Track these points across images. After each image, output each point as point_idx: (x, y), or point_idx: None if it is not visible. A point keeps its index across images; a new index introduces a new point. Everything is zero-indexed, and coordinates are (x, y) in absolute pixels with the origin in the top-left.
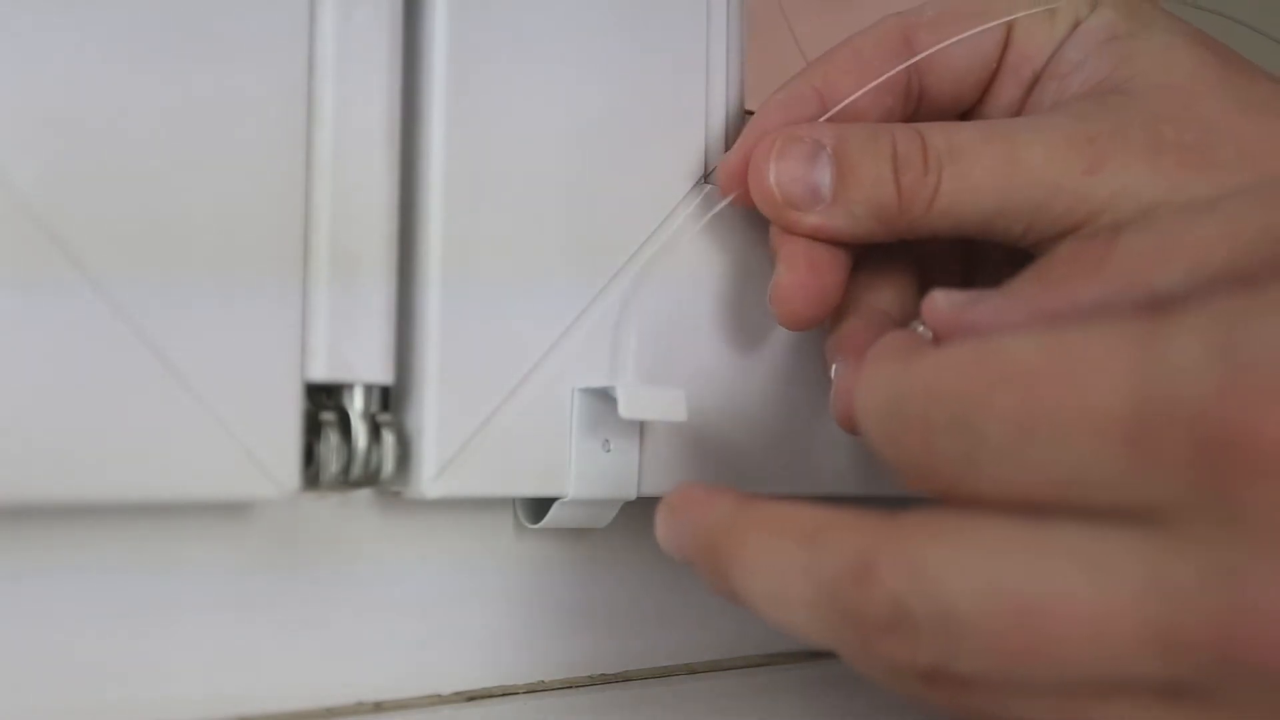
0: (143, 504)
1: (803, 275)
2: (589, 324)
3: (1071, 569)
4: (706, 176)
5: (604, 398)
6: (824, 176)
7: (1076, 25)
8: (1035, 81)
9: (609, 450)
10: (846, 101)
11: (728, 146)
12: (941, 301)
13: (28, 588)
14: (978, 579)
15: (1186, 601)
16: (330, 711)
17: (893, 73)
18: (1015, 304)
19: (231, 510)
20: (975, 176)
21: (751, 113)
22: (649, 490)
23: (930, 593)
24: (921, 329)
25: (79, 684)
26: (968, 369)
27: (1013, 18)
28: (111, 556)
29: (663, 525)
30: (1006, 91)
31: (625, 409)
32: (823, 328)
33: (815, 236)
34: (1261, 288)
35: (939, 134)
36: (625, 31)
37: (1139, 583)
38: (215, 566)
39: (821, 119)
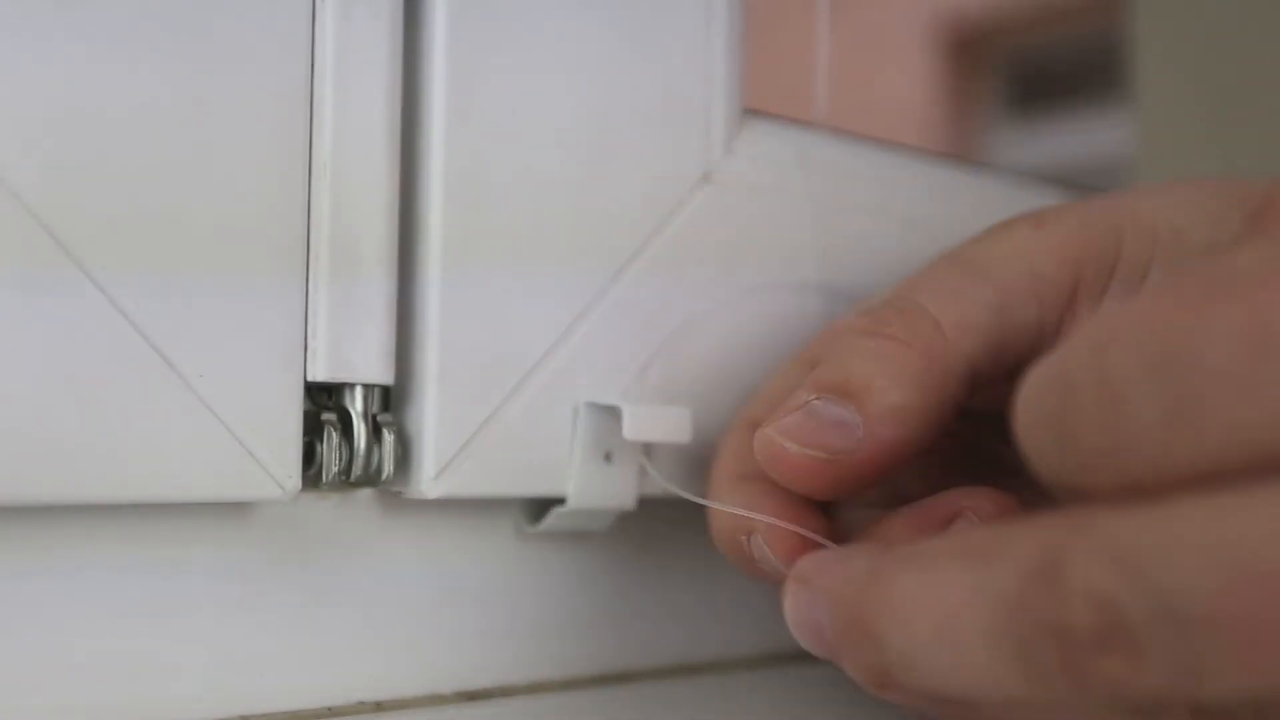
0: (143, 504)
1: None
2: (589, 324)
3: None
4: (707, 176)
5: (609, 411)
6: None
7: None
8: None
9: (610, 460)
10: None
11: (727, 146)
12: None
13: (28, 587)
14: (1209, 553)
15: None
16: (330, 711)
17: None
18: None
19: (232, 510)
20: None
21: (753, 112)
22: (650, 494)
23: (1148, 581)
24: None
25: (79, 684)
26: (1176, 306)
27: None
28: (112, 556)
29: (793, 603)
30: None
31: (630, 430)
32: None
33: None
34: None
35: None
36: (625, 31)
37: None
38: (215, 566)
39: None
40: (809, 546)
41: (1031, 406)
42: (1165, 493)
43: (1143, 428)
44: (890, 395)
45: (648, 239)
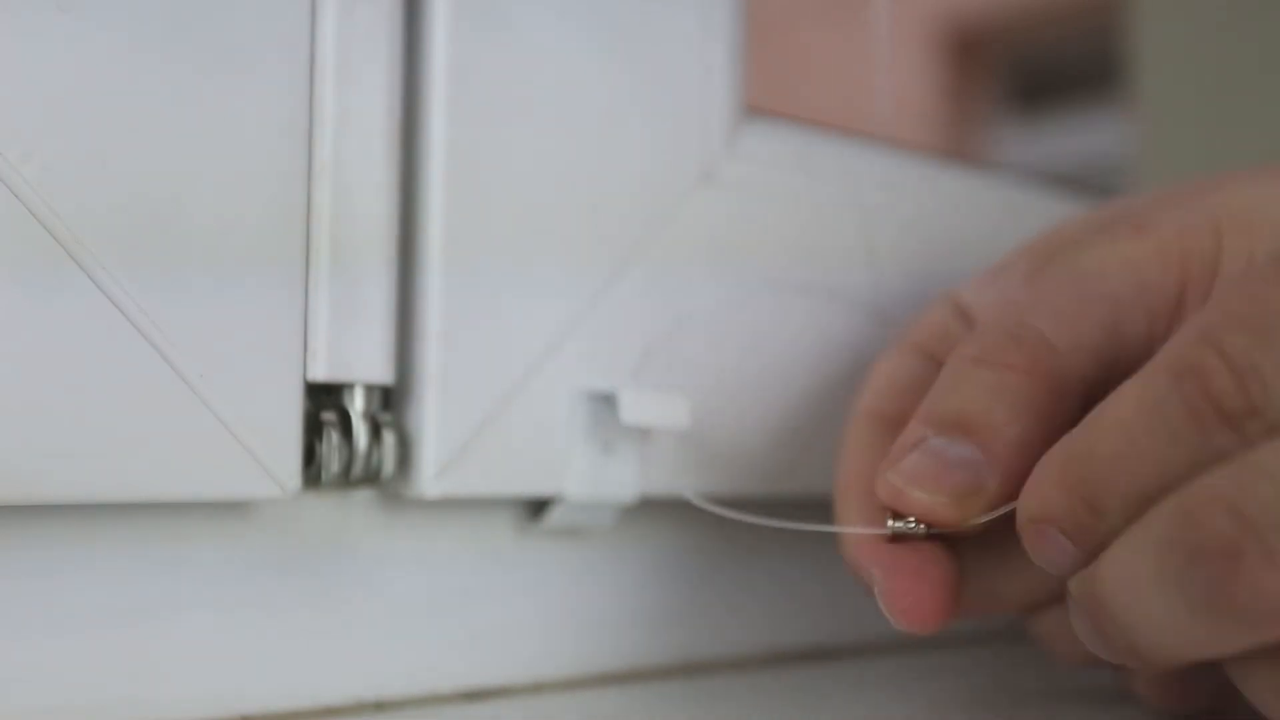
0: (144, 503)
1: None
2: (590, 323)
3: None
4: (707, 176)
5: (606, 400)
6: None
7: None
8: None
9: (610, 453)
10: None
11: (727, 146)
12: None
13: (28, 587)
14: None
15: None
16: (330, 711)
17: None
18: None
19: (232, 510)
20: None
21: (753, 112)
22: (650, 492)
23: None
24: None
25: (79, 684)
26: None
27: None
28: (112, 555)
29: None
30: None
31: (627, 415)
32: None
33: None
34: None
35: None
36: (625, 30)
37: None
38: (216, 566)
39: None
40: (927, 594)
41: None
42: None
43: None
44: (1012, 429)
45: (648, 238)
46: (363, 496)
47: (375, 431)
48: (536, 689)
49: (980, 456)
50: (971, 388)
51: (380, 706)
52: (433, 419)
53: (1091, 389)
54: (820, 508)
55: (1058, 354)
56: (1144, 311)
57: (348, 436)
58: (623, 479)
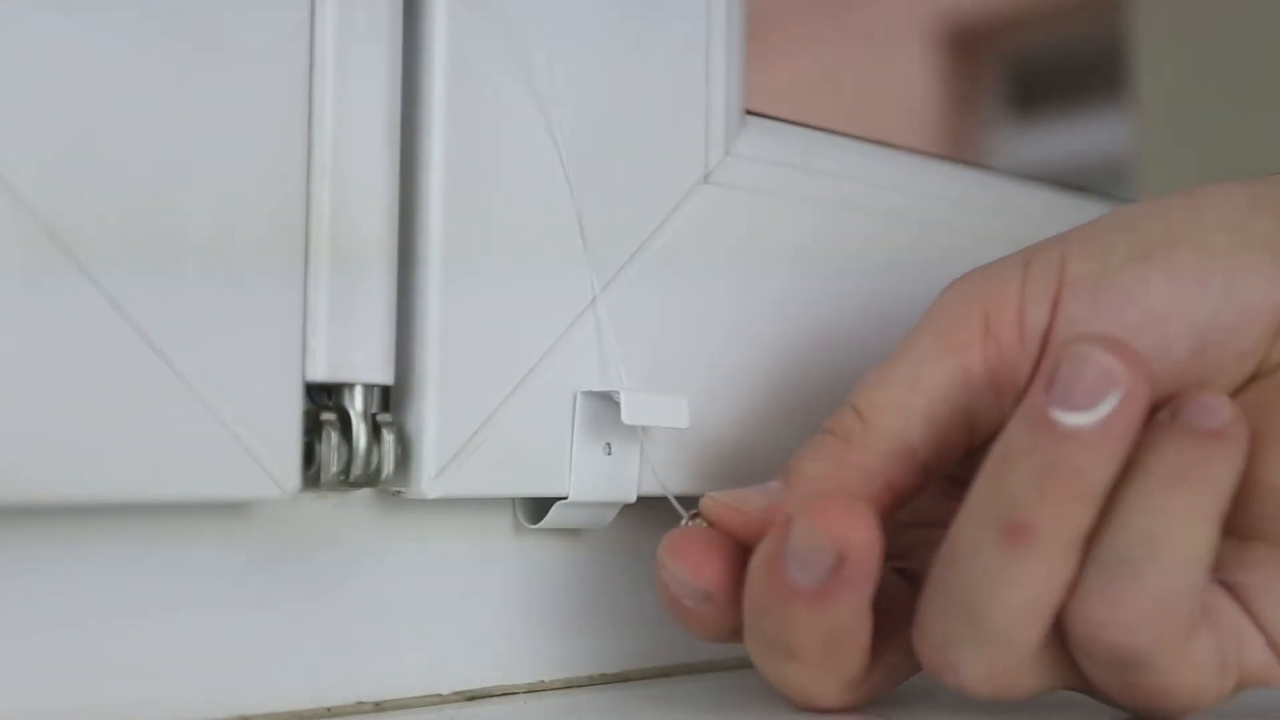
0: (142, 504)
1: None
2: (590, 324)
3: None
4: (707, 176)
5: (606, 401)
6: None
7: None
8: None
9: (610, 453)
10: None
11: (727, 147)
12: None
13: (27, 587)
14: None
15: None
16: (330, 711)
17: None
18: None
19: (231, 510)
20: None
21: (753, 113)
22: (649, 492)
23: None
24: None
25: (79, 684)
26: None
27: None
28: (111, 556)
29: None
30: None
31: (628, 415)
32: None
33: None
34: None
35: None
36: (625, 31)
37: None
38: (215, 566)
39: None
40: (723, 556)
41: None
42: None
43: None
44: (811, 469)
45: (648, 239)
46: (362, 497)
47: (375, 431)
48: (536, 689)
49: (779, 486)
50: (802, 449)
51: (380, 707)
52: (432, 419)
53: (910, 435)
54: None
55: (857, 415)
56: (947, 349)
57: (347, 436)
58: (623, 479)
